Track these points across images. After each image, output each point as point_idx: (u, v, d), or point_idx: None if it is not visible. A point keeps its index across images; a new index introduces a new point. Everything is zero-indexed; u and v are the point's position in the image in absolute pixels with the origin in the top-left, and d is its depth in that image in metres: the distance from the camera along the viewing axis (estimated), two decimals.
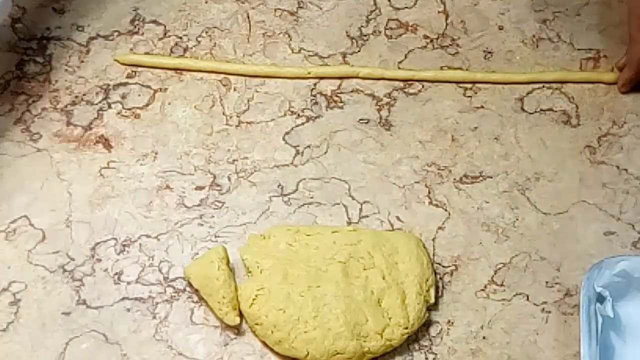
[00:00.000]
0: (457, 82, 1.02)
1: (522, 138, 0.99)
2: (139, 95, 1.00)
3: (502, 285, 0.90)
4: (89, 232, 0.92)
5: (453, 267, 0.91)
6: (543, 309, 0.89)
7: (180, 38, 1.04)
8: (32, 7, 1.05)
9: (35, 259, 0.90)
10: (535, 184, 0.96)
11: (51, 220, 0.92)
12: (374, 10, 1.06)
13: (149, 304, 0.88)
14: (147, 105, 1.00)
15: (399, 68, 1.03)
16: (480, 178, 0.96)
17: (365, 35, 1.05)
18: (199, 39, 1.04)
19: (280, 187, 0.95)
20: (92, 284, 0.89)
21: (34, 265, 0.90)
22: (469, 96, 1.01)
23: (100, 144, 0.97)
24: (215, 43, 1.04)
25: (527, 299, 0.90)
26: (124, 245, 0.91)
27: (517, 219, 0.94)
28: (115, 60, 1.02)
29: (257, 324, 0.86)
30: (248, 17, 1.06)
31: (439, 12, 1.07)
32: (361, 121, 0.99)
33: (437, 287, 0.90)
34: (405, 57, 1.04)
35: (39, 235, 0.91)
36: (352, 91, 1.01)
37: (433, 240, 0.93)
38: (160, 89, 1.01)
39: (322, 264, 0.88)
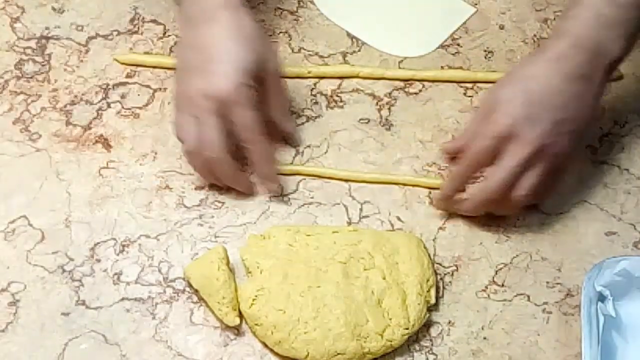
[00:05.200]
0: (457, 82, 1.01)
1: None
2: (139, 94, 1.00)
3: (502, 285, 0.90)
4: (88, 233, 0.91)
5: (454, 268, 0.91)
6: (544, 309, 0.89)
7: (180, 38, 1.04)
8: (31, 6, 1.05)
9: (34, 259, 0.90)
10: None
11: (50, 220, 0.92)
12: None
13: (149, 305, 0.88)
14: (146, 105, 0.99)
15: (399, 68, 1.03)
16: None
17: None
18: None
19: (280, 187, 0.95)
20: (92, 285, 0.89)
21: (33, 266, 0.90)
22: (469, 96, 1.01)
23: (99, 144, 0.97)
24: None
25: (528, 299, 0.90)
26: (123, 246, 0.91)
27: (518, 219, 0.94)
28: (115, 59, 1.02)
29: (257, 325, 0.86)
30: None
31: None
32: (361, 121, 0.99)
33: (437, 288, 0.89)
34: (406, 56, 1.03)
35: (38, 236, 0.91)
36: (352, 91, 1.01)
37: (434, 240, 0.92)
38: (160, 89, 1.00)
39: (322, 264, 0.87)
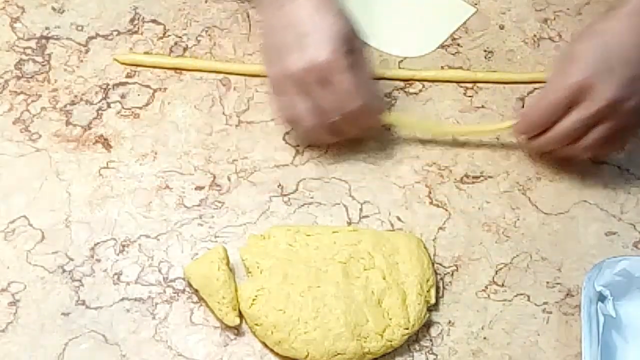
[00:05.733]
0: (457, 82, 1.01)
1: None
2: (139, 94, 1.00)
3: (503, 285, 0.90)
4: (88, 233, 0.91)
5: (454, 268, 0.91)
6: (544, 309, 0.89)
7: (180, 37, 1.04)
8: (31, 6, 1.05)
9: (34, 259, 0.90)
10: (537, 184, 0.96)
11: (50, 220, 0.92)
12: None
13: (149, 305, 0.88)
14: (146, 105, 0.99)
15: (399, 68, 1.03)
16: (481, 178, 0.96)
17: None
18: (199, 38, 1.04)
19: (280, 187, 0.95)
20: (92, 285, 0.89)
21: (33, 266, 0.89)
22: (469, 96, 1.01)
23: (99, 144, 0.97)
24: (215, 42, 1.03)
25: (528, 299, 0.89)
26: (123, 246, 0.91)
27: (518, 219, 0.94)
28: (115, 59, 1.02)
29: (257, 325, 0.86)
30: (248, 17, 1.05)
31: None
32: None
33: (437, 288, 0.89)
34: (406, 56, 1.03)
35: (38, 236, 0.91)
36: None
37: (434, 240, 0.92)
38: (160, 89, 1.00)
39: (322, 264, 0.87)
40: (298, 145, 0.97)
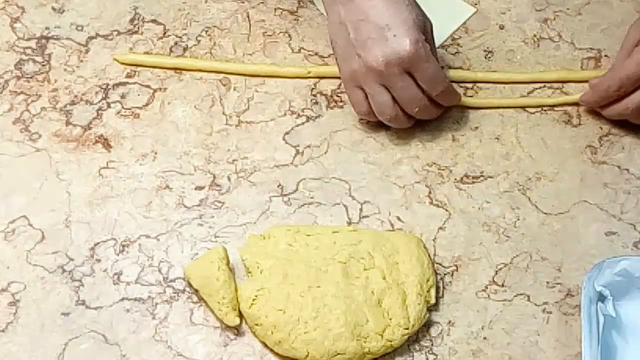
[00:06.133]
0: (457, 82, 1.01)
1: (523, 138, 0.98)
2: (139, 94, 1.00)
3: (503, 285, 0.90)
4: (88, 233, 0.91)
5: (454, 268, 0.91)
6: (544, 309, 0.89)
7: (180, 37, 1.04)
8: (31, 6, 1.05)
9: (34, 259, 0.90)
10: (537, 184, 0.96)
11: (50, 220, 0.92)
12: None
13: (149, 305, 0.88)
14: (146, 105, 0.99)
15: None
16: (481, 178, 0.96)
17: None
18: (199, 38, 1.04)
19: (280, 187, 0.95)
20: (92, 285, 0.89)
21: (33, 266, 0.90)
22: (469, 96, 1.01)
23: (99, 144, 0.97)
24: (215, 42, 1.03)
25: (528, 299, 0.89)
26: (123, 246, 0.91)
27: (518, 219, 0.94)
28: (115, 59, 1.02)
29: (257, 325, 0.86)
30: (248, 17, 1.05)
31: None
32: (361, 121, 0.99)
33: (437, 288, 0.89)
34: None
35: (38, 236, 0.91)
36: None
37: (434, 240, 0.92)
38: (160, 89, 1.00)
39: (322, 264, 0.87)
40: (298, 145, 0.97)
